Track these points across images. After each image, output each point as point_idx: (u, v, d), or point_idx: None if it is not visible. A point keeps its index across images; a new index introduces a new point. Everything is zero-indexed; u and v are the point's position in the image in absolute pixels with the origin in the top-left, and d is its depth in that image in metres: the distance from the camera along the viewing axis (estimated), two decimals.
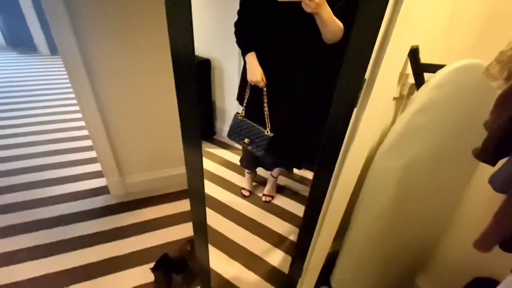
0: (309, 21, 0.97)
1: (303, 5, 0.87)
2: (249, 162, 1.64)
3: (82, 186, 1.74)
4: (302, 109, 1.26)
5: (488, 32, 0.90)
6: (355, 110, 0.68)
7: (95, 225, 1.47)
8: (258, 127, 1.23)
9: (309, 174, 1.97)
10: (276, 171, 1.69)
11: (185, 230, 1.47)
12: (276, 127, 1.32)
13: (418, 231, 1.08)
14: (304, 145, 1.54)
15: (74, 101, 2.70)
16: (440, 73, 0.79)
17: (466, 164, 0.94)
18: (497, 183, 0.51)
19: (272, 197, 1.72)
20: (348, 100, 0.64)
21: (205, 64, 2.09)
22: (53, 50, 4.60)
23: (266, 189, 1.73)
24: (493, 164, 0.57)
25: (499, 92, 0.58)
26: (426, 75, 0.85)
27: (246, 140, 1.25)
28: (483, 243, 0.57)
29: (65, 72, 1.29)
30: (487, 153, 0.55)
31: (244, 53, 1.18)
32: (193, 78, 0.66)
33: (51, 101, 2.89)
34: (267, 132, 1.21)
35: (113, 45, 1.28)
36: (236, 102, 1.39)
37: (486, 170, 0.62)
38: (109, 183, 1.66)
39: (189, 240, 1.36)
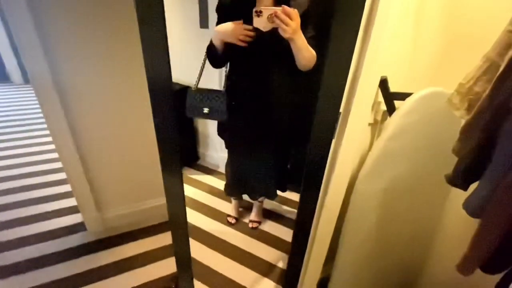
0: (284, 48, 1.01)
1: (280, 31, 0.91)
2: (234, 190, 1.62)
3: (56, 224, 1.62)
4: (280, 130, 1.29)
5: (446, 61, 0.98)
6: (333, 141, 0.71)
7: (70, 266, 1.36)
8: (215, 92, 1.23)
9: (294, 196, 1.97)
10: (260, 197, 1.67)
11: (169, 266, 1.39)
12: (257, 149, 1.34)
13: (404, 251, 1.09)
14: (286, 168, 1.55)
15: (47, 132, 2.58)
16: (409, 100, 0.85)
17: (441, 185, 0.99)
18: (470, 208, 0.53)
19: (259, 222, 1.69)
20: (326, 133, 0.66)
21: (186, 92, 2.10)
22: (27, 79, 4.45)
23: (252, 215, 1.70)
24: (465, 189, 0.60)
25: (463, 121, 0.63)
26: (397, 102, 0.91)
27: (205, 110, 1.24)
28: (465, 267, 0.59)
29: (37, 102, 1.24)
30: (458, 179, 0.58)
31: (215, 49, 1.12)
32: (170, 106, 0.66)
33: (22, 132, 2.74)
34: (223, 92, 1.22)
35: (89, 72, 1.25)
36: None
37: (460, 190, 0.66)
38: (86, 219, 1.56)
39: (173, 277, 1.29)
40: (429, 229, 1.07)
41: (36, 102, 1.24)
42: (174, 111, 0.67)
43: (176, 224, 0.87)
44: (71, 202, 1.75)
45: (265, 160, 1.38)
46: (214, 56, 1.14)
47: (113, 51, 1.26)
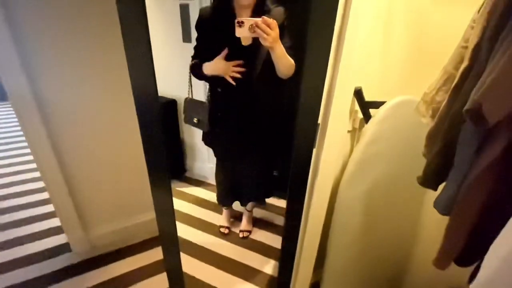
0: (264, 59, 1.07)
1: (261, 40, 0.95)
2: (226, 198, 1.63)
3: (38, 246, 1.56)
4: (263, 138, 1.33)
5: (412, 72, 1.06)
6: (314, 150, 0.75)
7: None
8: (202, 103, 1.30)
9: (283, 203, 1.99)
10: (250, 204, 1.69)
11: (161, 282, 1.37)
12: (243, 157, 1.38)
13: (389, 250, 1.14)
14: (271, 174, 1.59)
15: (27, 150, 2.50)
16: (382, 108, 0.91)
17: (417, 184, 1.05)
18: (440, 207, 0.58)
19: (250, 232, 1.70)
20: (307, 142, 0.70)
21: (172, 104, 2.11)
22: (2, 96, 4.29)
23: (243, 225, 1.72)
24: (435, 189, 0.66)
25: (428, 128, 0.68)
26: (372, 110, 0.97)
27: (195, 119, 1.31)
28: (440, 261, 0.63)
29: (16, 120, 1.21)
30: (428, 180, 0.64)
31: (201, 71, 1.19)
32: (157, 123, 0.68)
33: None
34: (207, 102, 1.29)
35: (72, 89, 1.24)
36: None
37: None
38: (71, 239, 1.51)
39: None
40: (409, 227, 1.13)
41: (14, 120, 1.22)
42: (161, 127, 0.69)
43: (167, 239, 0.87)
44: (55, 222, 1.70)
45: (251, 167, 1.41)
46: (200, 75, 1.20)
47: (97, 67, 1.26)
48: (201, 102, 1.30)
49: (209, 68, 1.16)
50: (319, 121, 0.72)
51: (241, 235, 1.68)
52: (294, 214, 0.83)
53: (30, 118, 1.21)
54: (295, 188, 0.77)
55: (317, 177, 0.77)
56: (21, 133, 1.24)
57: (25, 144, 2.03)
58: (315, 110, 0.70)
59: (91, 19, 1.18)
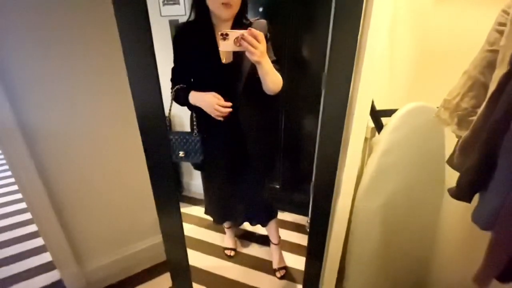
0: (246, 77, 1.02)
1: (248, 54, 0.87)
2: (215, 214, 1.49)
3: (29, 286, 1.42)
4: (256, 157, 1.23)
5: (419, 76, 1.05)
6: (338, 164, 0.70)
7: None
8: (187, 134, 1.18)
9: (288, 217, 1.93)
10: (274, 236, 1.52)
11: None
12: (236, 179, 1.28)
13: (409, 262, 1.10)
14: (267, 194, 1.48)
15: (11, 180, 2.34)
16: (395, 116, 0.88)
17: (434, 192, 1.02)
18: (481, 222, 0.54)
19: (285, 268, 1.52)
20: (331, 162, 0.66)
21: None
22: None
23: (275, 262, 1.53)
24: (469, 201, 0.62)
25: (454, 134, 0.65)
26: (383, 119, 0.94)
27: (181, 153, 1.18)
28: (481, 279, 0.59)
29: None
30: (463, 193, 0.59)
31: (187, 101, 1.11)
32: (165, 143, 0.62)
33: None
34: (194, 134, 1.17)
35: (61, 112, 1.14)
36: None
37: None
38: (64, 275, 1.39)
39: None
40: (429, 237, 1.09)
41: None
42: (168, 148, 0.64)
43: (177, 270, 0.80)
44: (45, 257, 1.57)
45: (249, 187, 1.32)
46: (185, 102, 1.12)
47: (90, 90, 1.18)
48: (189, 132, 1.17)
49: (195, 98, 1.08)
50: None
51: (278, 275, 1.47)
52: (319, 233, 0.78)
53: (14, 146, 1.10)
54: (320, 209, 0.72)
55: (339, 195, 0.72)
56: (3, 161, 1.13)
57: (9, 173, 1.89)
58: (339, 129, 0.65)
59: (90, 41, 1.10)
